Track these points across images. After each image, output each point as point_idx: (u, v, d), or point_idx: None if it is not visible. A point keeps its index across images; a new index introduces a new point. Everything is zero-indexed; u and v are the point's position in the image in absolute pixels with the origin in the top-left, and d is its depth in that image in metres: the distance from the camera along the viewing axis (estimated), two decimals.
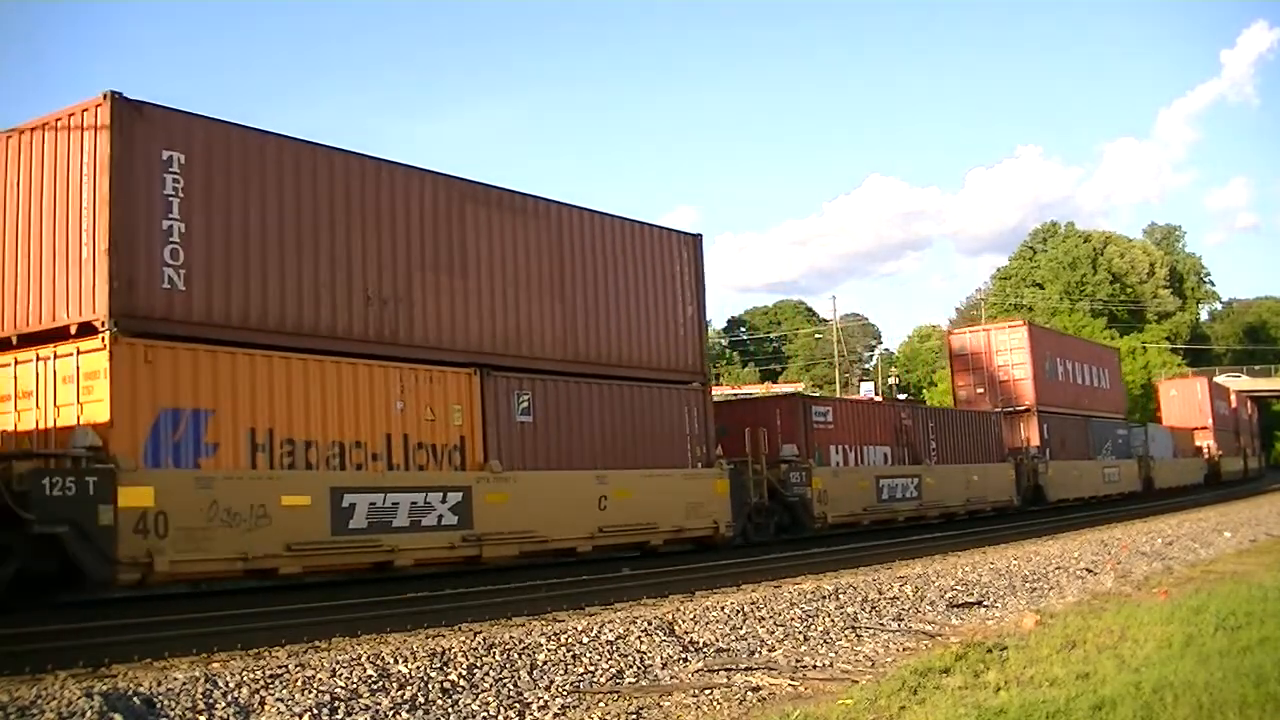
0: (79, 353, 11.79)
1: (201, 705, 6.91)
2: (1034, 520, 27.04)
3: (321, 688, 7.36)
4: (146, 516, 11.10)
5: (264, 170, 13.37)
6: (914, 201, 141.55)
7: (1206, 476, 45.82)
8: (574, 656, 8.77)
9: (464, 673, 8.05)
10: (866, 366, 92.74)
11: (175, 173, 12.45)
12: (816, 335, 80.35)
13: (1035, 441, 31.40)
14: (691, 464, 18.42)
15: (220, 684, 7.24)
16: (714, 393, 21.43)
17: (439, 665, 8.15)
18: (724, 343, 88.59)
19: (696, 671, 8.67)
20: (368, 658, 8.16)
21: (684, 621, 10.31)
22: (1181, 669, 7.38)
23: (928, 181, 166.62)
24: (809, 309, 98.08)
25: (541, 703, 7.57)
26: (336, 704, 7.13)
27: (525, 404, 15.89)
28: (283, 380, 12.99)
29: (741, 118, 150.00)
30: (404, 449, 14.23)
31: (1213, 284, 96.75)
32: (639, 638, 9.52)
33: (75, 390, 11.75)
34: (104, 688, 7.02)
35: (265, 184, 13.36)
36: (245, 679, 7.38)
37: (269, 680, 7.41)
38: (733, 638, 9.97)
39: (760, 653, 9.49)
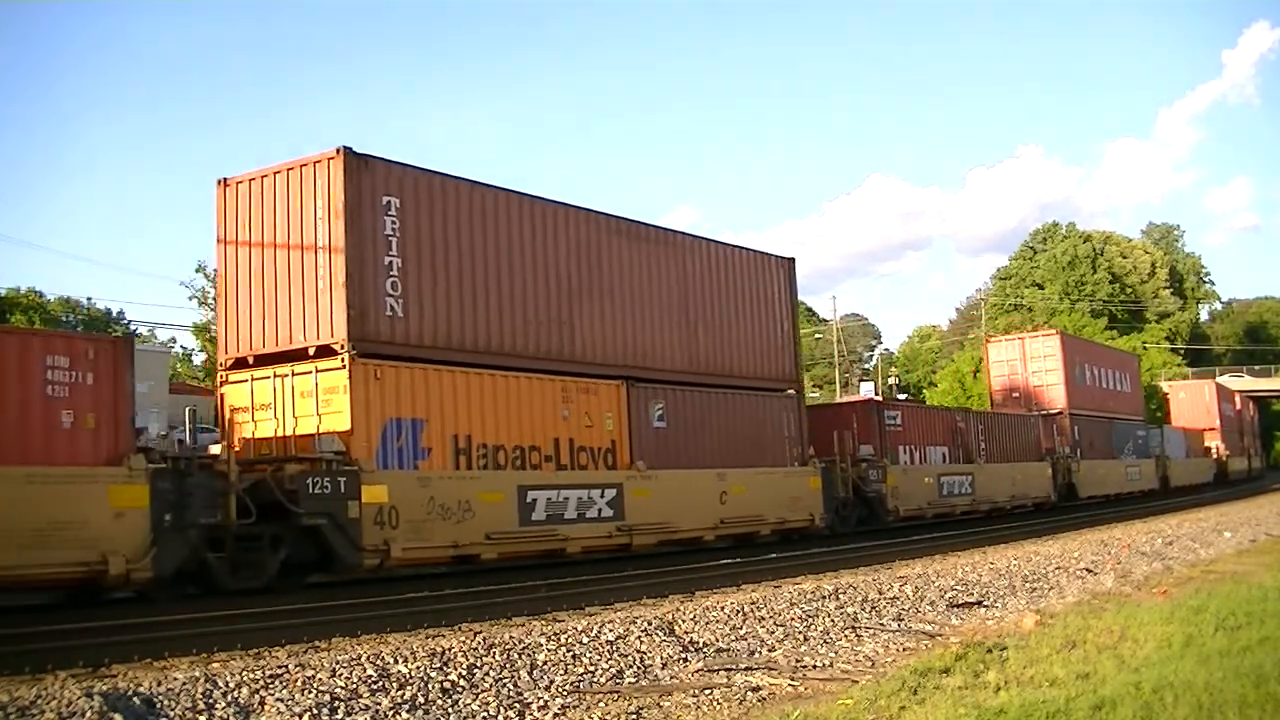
0: (317, 371, 13.83)
1: (201, 705, 6.91)
2: (1068, 515, 28.58)
3: (321, 688, 7.36)
4: (383, 510, 13.21)
5: (458, 210, 15.47)
6: (914, 201, 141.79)
7: (1215, 475, 47.74)
8: (574, 656, 8.77)
9: (464, 673, 8.05)
10: (866, 366, 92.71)
11: (393, 215, 14.51)
12: (816, 335, 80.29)
13: (1067, 442, 33.32)
14: (790, 463, 20.68)
15: (220, 684, 7.24)
16: None
17: (439, 665, 8.15)
18: None
19: (696, 671, 8.67)
20: (368, 658, 8.16)
21: (684, 621, 10.31)
22: (1181, 669, 7.38)
23: (928, 181, 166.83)
24: (809, 309, 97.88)
25: (541, 703, 7.57)
26: (336, 704, 7.13)
27: (660, 411, 18.14)
28: (477, 393, 15.14)
29: (742, 117, 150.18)
30: (569, 451, 16.42)
31: (1213, 284, 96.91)
32: (639, 638, 9.53)
33: (314, 403, 13.76)
34: (104, 688, 7.03)
35: (459, 222, 15.46)
36: (245, 679, 7.38)
37: (269, 680, 7.41)
38: (733, 638, 9.96)
39: (760, 653, 9.49)
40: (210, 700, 6.98)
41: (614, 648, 9.16)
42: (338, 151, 14.03)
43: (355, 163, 14.10)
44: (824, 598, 12.00)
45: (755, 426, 20.13)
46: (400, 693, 7.47)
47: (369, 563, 13.11)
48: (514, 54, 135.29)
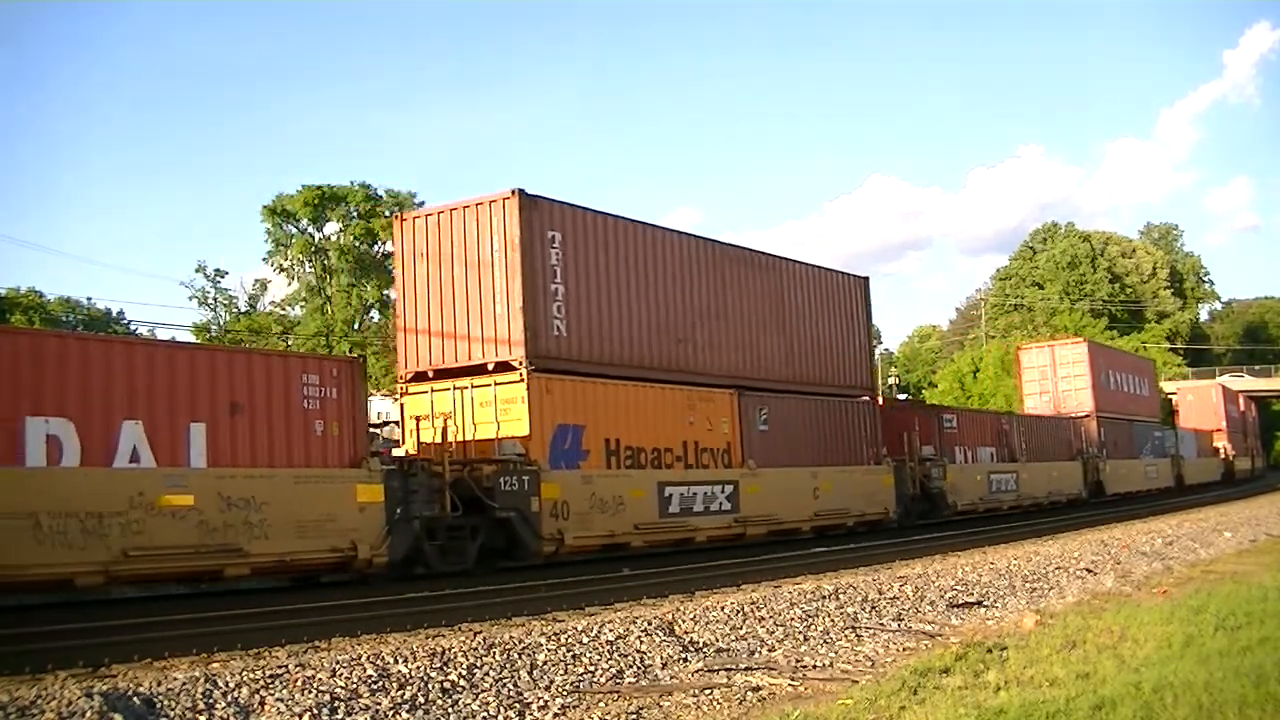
0: (496, 384, 15.97)
1: (201, 705, 6.91)
2: (1097, 511, 30.60)
3: (321, 688, 7.36)
4: (557, 505, 15.38)
5: (606, 242, 17.68)
6: (915, 201, 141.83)
7: (1223, 474, 49.84)
8: (574, 656, 8.77)
9: (464, 673, 8.05)
10: None
11: (556, 248, 16.61)
12: None
13: (1094, 443, 35.57)
14: (867, 462, 23.07)
15: (220, 684, 7.24)
16: None
17: (439, 665, 8.15)
18: None
19: (696, 671, 8.67)
20: (368, 658, 8.16)
21: (684, 621, 10.31)
22: (1181, 669, 7.38)
23: (929, 181, 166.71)
24: None
25: (541, 703, 7.57)
26: (336, 704, 7.13)
27: (764, 416, 20.40)
28: (623, 401, 17.42)
29: (743, 117, 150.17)
30: (694, 452, 18.67)
31: (1212, 284, 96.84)
32: (639, 638, 9.53)
33: (493, 412, 15.94)
34: (104, 688, 7.03)
35: (607, 252, 17.68)
36: (245, 679, 7.38)
37: (269, 680, 7.41)
38: (733, 638, 9.96)
39: (760, 653, 9.49)
40: (210, 700, 6.98)
41: (614, 648, 9.16)
42: (513, 193, 16.13)
43: (527, 202, 16.24)
44: (824, 598, 12.00)
45: (839, 429, 22.59)
46: (400, 693, 7.46)
47: (547, 549, 15.25)
48: (514, 54, 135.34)
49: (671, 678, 8.47)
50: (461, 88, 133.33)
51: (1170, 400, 53.33)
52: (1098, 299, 77.69)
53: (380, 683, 7.61)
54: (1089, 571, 15.32)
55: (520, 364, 15.77)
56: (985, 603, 12.61)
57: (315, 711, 6.97)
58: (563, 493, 15.51)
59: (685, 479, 17.93)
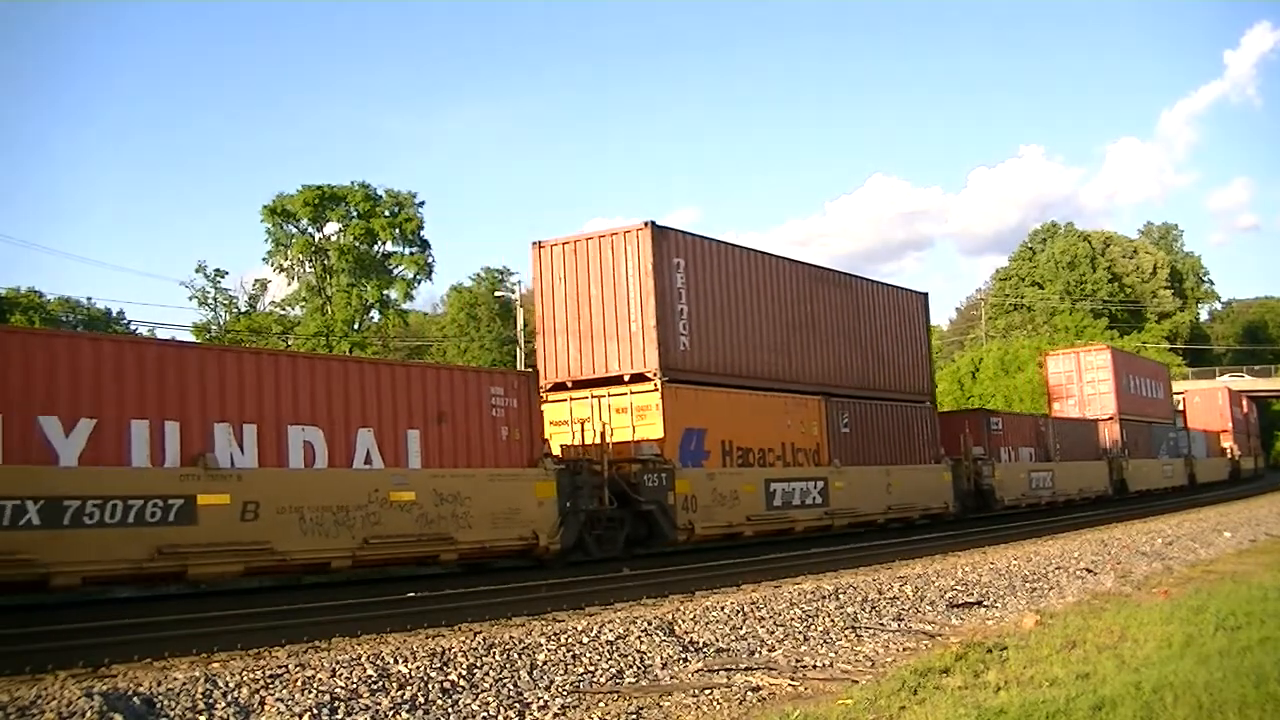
0: (631, 393, 18.20)
1: (201, 705, 6.91)
2: (1123, 507, 32.67)
3: (321, 688, 7.36)
4: (687, 498, 17.59)
5: (719, 266, 20.08)
6: (916, 201, 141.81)
7: (1230, 473, 52.17)
8: (574, 656, 8.77)
9: (464, 673, 8.05)
10: None
11: (681, 273, 18.96)
12: None
13: (1117, 444, 37.66)
14: (929, 461, 25.49)
15: (220, 684, 7.24)
16: None
17: (439, 665, 8.15)
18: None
19: (696, 671, 8.66)
20: (368, 658, 8.16)
21: (684, 621, 10.30)
22: (1181, 669, 7.37)
23: (930, 181, 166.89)
24: None
25: (541, 703, 7.57)
26: (336, 704, 7.13)
27: (845, 419, 22.73)
28: (735, 407, 19.68)
29: (744, 117, 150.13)
30: (791, 452, 20.98)
31: (1212, 284, 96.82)
32: (639, 638, 9.52)
33: (629, 418, 18.15)
34: (104, 688, 7.02)
35: (720, 275, 20.06)
36: (245, 679, 7.37)
37: (269, 680, 7.41)
38: (733, 638, 9.96)
39: (760, 653, 9.49)
40: (210, 700, 6.98)
41: (614, 648, 9.15)
42: (645, 225, 18.46)
43: (658, 233, 18.58)
44: (824, 598, 12.00)
45: (906, 431, 24.97)
46: (400, 693, 7.46)
47: (680, 537, 17.46)
48: (514, 54, 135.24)
49: (671, 678, 8.47)
50: (460, 88, 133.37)
51: (1178, 402, 53.81)
52: (1098, 299, 77.67)
53: (380, 683, 7.60)
54: (1089, 571, 15.32)
55: (654, 375, 18.07)
56: (985, 603, 12.61)
57: (315, 711, 6.97)
58: (692, 488, 17.79)
59: (786, 476, 20.37)
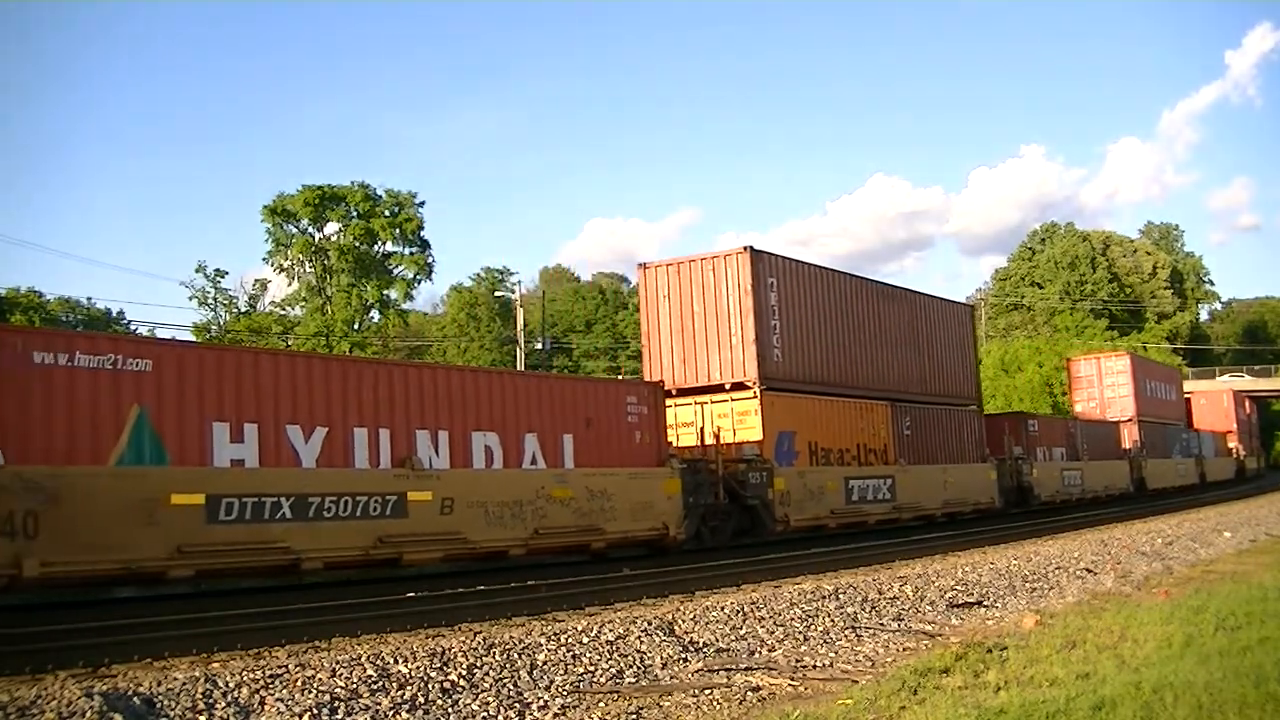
0: (732, 400, 20.21)
1: (201, 705, 6.90)
2: (1144, 503, 34.22)
3: (321, 688, 7.35)
4: (783, 494, 19.57)
5: (803, 285, 22.14)
6: (917, 201, 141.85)
7: (1235, 472, 53.78)
8: (574, 656, 8.76)
9: (464, 673, 8.05)
10: None
11: (774, 291, 21.05)
12: None
13: (1136, 444, 39.62)
14: (976, 460, 27.52)
15: (220, 684, 7.23)
16: None
17: (439, 665, 8.15)
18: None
19: (696, 671, 8.66)
20: (368, 658, 8.15)
21: (684, 621, 10.30)
22: (1181, 669, 7.38)
23: (931, 181, 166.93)
24: None
25: (541, 703, 7.57)
26: (336, 704, 7.13)
27: (908, 422, 24.76)
28: (819, 411, 21.87)
29: (744, 117, 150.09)
30: (863, 452, 23.07)
31: (1212, 284, 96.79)
32: (639, 638, 9.52)
33: (729, 422, 20.00)
34: (104, 688, 7.02)
35: (805, 293, 22.12)
36: (245, 679, 7.37)
37: (269, 680, 7.41)
38: (733, 638, 9.96)
39: (760, 653, 9.49)
40: (210, 700, 6.98)
41: (614, 648, 9.15)
42: (744, 249, 20.61)
43: (755, 256, 20.70)
44: (824, 598, 11.99)
45: (957, 432, 27.13)
46: (400, 693, 7.46)
47: (778, 529, 19.45)
48: (515, 54, 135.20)
49: (671, 678, 8.47)
50: (461, 89, 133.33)
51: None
52: (1098, 299, 77.65)
53: (380, 683, 7.60)
54: (1089, 571, 15.32)
55: (754, 384, 20.06)
56: (985, 603, 12.60)
57: (315, 711, 6.97)
58: (787, 485, 19.75)
59: (861, 474, 22.40)
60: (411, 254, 58.36)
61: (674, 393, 20.24)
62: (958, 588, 13.42)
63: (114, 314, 56.43)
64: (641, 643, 9.38)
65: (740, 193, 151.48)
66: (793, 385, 21.16)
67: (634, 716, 7.27)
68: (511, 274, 66.62)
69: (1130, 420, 40.14)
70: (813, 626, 10.61)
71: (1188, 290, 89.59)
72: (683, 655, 9.15)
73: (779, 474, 19.63)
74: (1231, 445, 55.22)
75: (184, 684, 7.17)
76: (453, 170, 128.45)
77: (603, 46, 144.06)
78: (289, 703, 7.05)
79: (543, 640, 9.11)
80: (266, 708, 6.97)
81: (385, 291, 57.76)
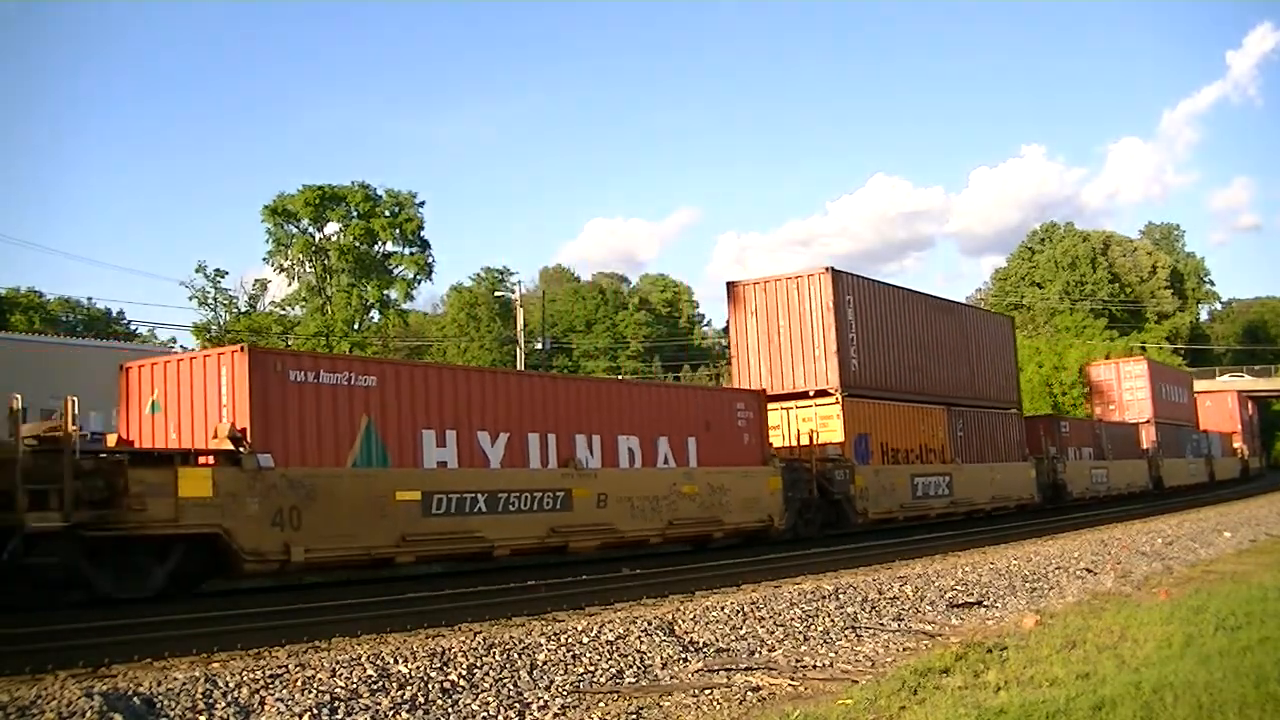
0: (815, 406, 22.60)
1: (201, 705, 6.90)
2: (1163, 501, 36.13)
3: (321, 688, 7.35)
4: (863, 490, 21.99)
5: (875, 301, 24.61)
6: (917, 201, 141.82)
7: (1240, 471, 55.88)
8: (574, 656, 8.76)
9: (464, 673, 8.05)
10: None
11: (851, 307, 23.42)
12: None
13: (1153, 444, 41.78)
14: (1016, 460, 29.79)
15: (220, 684, 7.23)
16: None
17: (439, 665, 8.15)
18: (725, 341, 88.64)
19: (696, 671, 8.66)
20: (368, 658, 8.15)
21: (684, 621, 10.30)
22: (1181, 669, 7.38)
23: (931, 181, 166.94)
24: None
25: (541, 703, 7.57)
26: (336, 704, 7.13)
27: (961, 425, 27.13)
28: (889, 415, 24.12)
29: (744, 117, 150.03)
30: (924, 452, 25.34)
31: (1212, 284, 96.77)
32: (639, 638, 9.52)
33: (812, 425, 22.12)
34: (104, 688, 7.02)
35: (875, 308, 24.48)
36: (245, 679, 7.37)
37: (269, 680, 7.41)
38: (733, 638, 9.96)
39: (760, 653, 9.49)
40: (210, 700, 6.97)
41: (614, 648, 9.15)
42: (826, 270, 23.15)
43: (836, 276, 23.13)
44: (824, 598, 11.99)
45: (1003, 433, 29.42)
46: (400, 693, 7.46)
47: (859, 521, 21.92)
48: (514, 54, 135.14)
49: (671, 678, 8.47)
50: (462, 88, 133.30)
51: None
52: (1098, 299, 77.63)
53: (380, 683, 7.60)
54: (1089, 571, 15.31)
55: (835, 391, 22.40)
56: (985, 603, 12.60)
57: (315, 711, 6.97)
58: (865, 481, 22.04)
59: (925, 471, 24.76)
60: (411, 254, 58.39)
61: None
62: (958, 588, 13.41)
63: (114, 314, 56.48)
64: (641, 643, 9.38)
65: (740, 193, 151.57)
66: (867, 392, 23.37)
67: (634, 716, 7.27)
68: (511, 274, 66.70)
69: (1148, 422, 42.09)
70: (813, 626, 10.61)
71: (1188, 290, 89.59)
72: (683, 655, 9.14)
73: (859, 472, 21.91)
74: (1236, 445, 56.84)
75: (184, 684, 7.17)
76: (453, 170, 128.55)
77: (603, 47, 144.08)
78: (289, 703, 7.05)
79: (543, 640, 9.11)
80: (266, 708, 6.97)
81: (385, 291, 57.77)
